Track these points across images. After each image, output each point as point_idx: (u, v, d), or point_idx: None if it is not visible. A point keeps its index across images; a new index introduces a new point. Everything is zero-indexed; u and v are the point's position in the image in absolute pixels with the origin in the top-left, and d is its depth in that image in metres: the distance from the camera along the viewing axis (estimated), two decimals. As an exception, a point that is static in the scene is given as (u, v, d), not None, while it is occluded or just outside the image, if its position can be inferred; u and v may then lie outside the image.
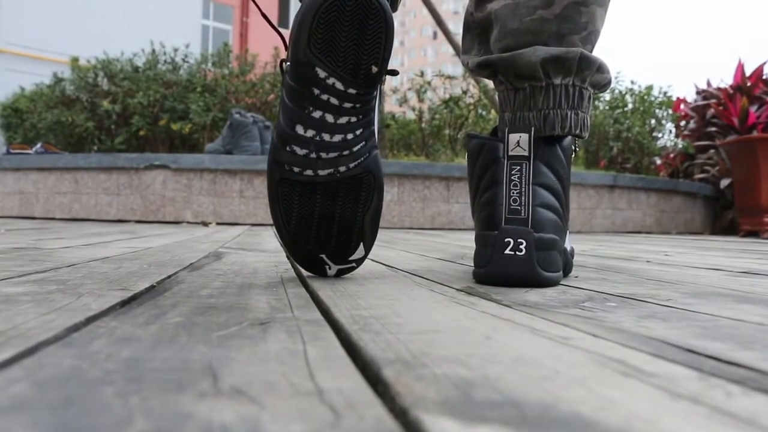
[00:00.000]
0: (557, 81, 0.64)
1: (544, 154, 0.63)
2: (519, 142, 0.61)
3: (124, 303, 0.42)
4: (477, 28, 0.72)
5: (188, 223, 2.81)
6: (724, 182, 3.71)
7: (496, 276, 0.58)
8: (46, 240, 1.19)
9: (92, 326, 0.33)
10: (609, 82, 0.69)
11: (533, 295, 0.52)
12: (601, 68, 0.66)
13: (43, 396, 0.20)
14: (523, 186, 0.60)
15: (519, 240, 0.58)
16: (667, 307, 0.46)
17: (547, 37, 0.65)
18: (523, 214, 0.59)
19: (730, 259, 1.15)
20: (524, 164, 0.61)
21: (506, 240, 0.58)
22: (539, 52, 0.64)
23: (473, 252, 0.63)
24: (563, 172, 0.64)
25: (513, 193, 0.60)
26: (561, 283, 0.62)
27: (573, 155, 0.68)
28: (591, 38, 0.67)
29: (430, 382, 0.23)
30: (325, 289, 0.52)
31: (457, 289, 0.55)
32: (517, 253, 0.57)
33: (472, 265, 0.63)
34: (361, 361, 0.27)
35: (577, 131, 0.65)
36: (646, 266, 0.89)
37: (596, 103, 3.88)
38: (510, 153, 0.61)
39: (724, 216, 3.87)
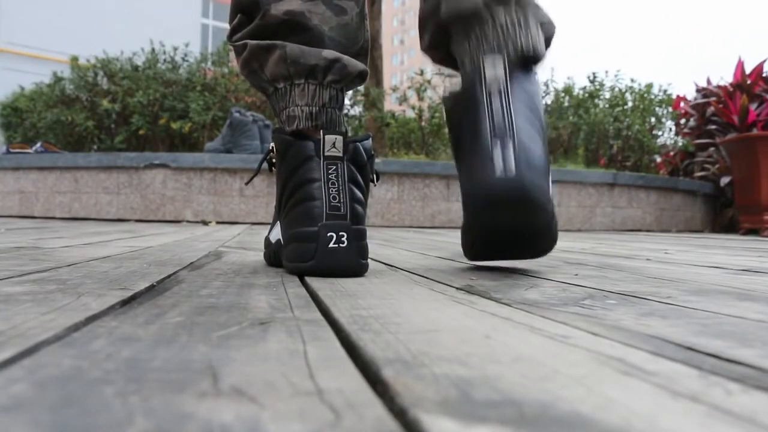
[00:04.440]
0: (501, 15, 0.68)
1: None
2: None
3: (124, 302, 0.42)
4: (425, 19, 0.76)
5: (188, 222, 2.81)
6: (724, 180, 3.71)
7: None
8: (45, 239, 1.19)
9: (92, 326, 0.33)
10: (551, 23, 0.71)
11: (533, 293, 0.52)
12: (536, 2, 0.70)
13: (42, 396, 0.20)
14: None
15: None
16: (667, 304, 0.46)
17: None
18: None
19: (730, 257, 1.15)
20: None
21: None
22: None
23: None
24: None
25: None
26: (560, 281, 0.62)
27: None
28: None
29: (429, 381, 0.23)
30: (324, 289, 0.52)
31: (457, 288, 0.55)
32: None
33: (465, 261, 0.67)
34: (360, 360, 0.27)
35: (530, 52, 0.68)
36: (646, 264, 0.89)
37: (596, 101, 3.88)
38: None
39: (724, 214, 3.87)
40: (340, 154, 0.65)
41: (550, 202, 0.61)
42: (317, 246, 0.62)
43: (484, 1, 0.68)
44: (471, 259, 0.77)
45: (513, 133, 0.59)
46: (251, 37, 0.71)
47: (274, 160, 0.73)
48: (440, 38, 0.74)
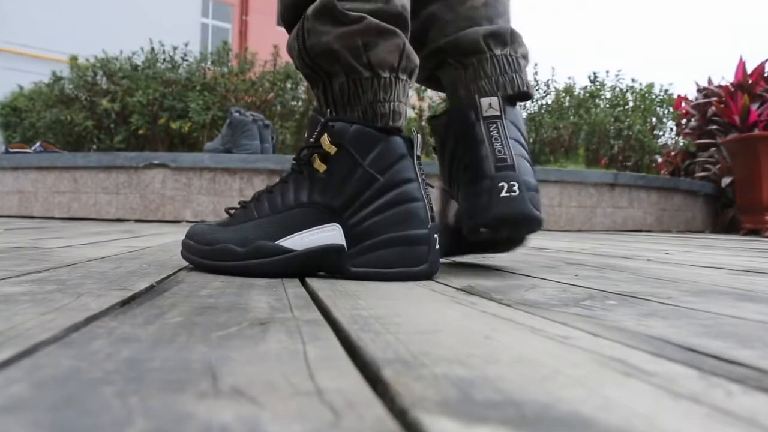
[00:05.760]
0: (498, 51, 0.74)
1: (509, 114, 0.71)
2: (491, 104, 0.69)
3: (124, 303, 0.42)
4: (413, 37, 0.76)
5: (188, 222, 2.81)
6: (725, 180, 3.71)
7: (497, 218, 0.66)
8: (45, 239, 1.19)
9: (91, 326, 0.33)
10: (528, 53, 0.78)
11: (533, 294, 0.52)
12: (522, 41, 0.77)
13: (42, 396, 0.20)
14: (503, 139, 0.68)
15: (512, 182, 0.66)
16: (667, 305, 0.46)
17: (480, 20, 0.76)
18: (509, 161, 0.67)
19: (731, 257, 1.15)
20: (498, 122, 0.69)
21: (500, 184, 0.66)
22: (479, 30, 0.74)
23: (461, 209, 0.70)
24: (524, 129, 0.73)
25: (496, 145, 0.68)
26: (561, 281, 0.62)
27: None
28: (509, 20, 0.79)
29: (429, 382, 0.23)
30: (324, 289, 0.52)
31: (457, 289, 0.55)
32: (512, 193, 0.65)
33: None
34: (360, 361, 0.27)
35: (525, 89, 0.74)
36: (647, 265, 0.89)
37: (597, 101, 3.89)
38: (485, 115, 0.69)
39: (725, 214, 3.86)
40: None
41: (542, 214, 0.69)
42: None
43: (483, 37, 0.73)
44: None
45: (515, 167, 0.67)
46: (371, 14, 0.65)
47: (315, 155, 0.63)
48: (428, 62, 0.77)
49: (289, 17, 0.69)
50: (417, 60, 0.67)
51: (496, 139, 0.68)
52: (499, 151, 0.67)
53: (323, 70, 0.66)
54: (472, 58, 0.74)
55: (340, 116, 0.64)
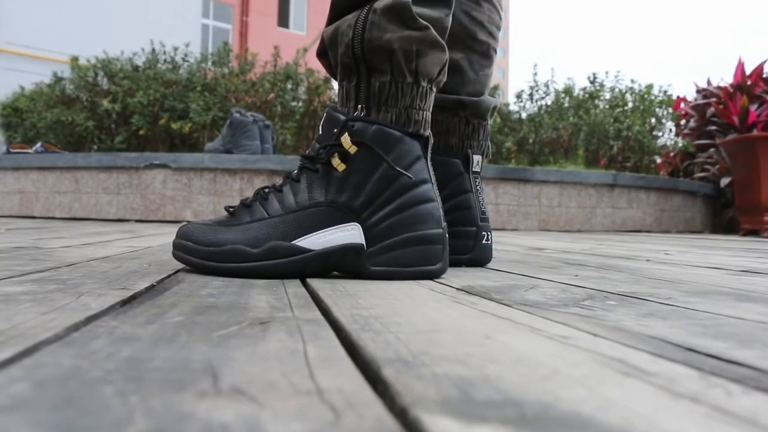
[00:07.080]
0: (489, 121, 0.88)
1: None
2: (478, 162, 0.85)
3: (124, 302, 0.42)
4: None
5: (188, 222, 2.81)
6: (724, 181, 3.71)
7: (478, 259, 0.82)
8: (46, 239, 1.19)
9: (92, 326, 0.33)
10: None
11: (533, 294, 0.52)
12: None
13: (43, 395, 0.20)
14: (482, 193, 0.84)
15: (488, 232, 0.84)
16: (667, 305, 0.46)
17: (485, 88, 0.87)
18: (486, 214, 0.84)
19: (731, 257, 1.15)
20: (479, 178, 0.85)
21: (482, 233, 0.83)
22: (490, 101, 0.87)
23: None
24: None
25: (480, 198, 0.83)
26: (561, 282, 0.62)
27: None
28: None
29: (429, 381, 0.23)
30: (324, 289, 0.52)
31: (457, 289, 0.55)
32: (485, 240, 0.83)
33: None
34: (361, 360, 0.27)
35: (490, 156, 0.91)
36: (647, 265, 0.89)
37: (596, 101, 3.89)
38: (473, 169, 0.84)
39: (724, 215, 3.86)
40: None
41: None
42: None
43: (492, 108, 0.87)
44: None
45: (488, 219, 0.85)
46: (435, 22, 0.65)
47: (335, 154, 0.63)
48: (443, 103, 0.83)
49: (345, 3, 0.67)
50: (446, 77, 0.69)
51: (479, 193, 0.83)
52: (482, 204, 0.83)
53: (368, 64, 0.64)
54: (475, 120, 0.85)
55: (359, 116, 0.64)
